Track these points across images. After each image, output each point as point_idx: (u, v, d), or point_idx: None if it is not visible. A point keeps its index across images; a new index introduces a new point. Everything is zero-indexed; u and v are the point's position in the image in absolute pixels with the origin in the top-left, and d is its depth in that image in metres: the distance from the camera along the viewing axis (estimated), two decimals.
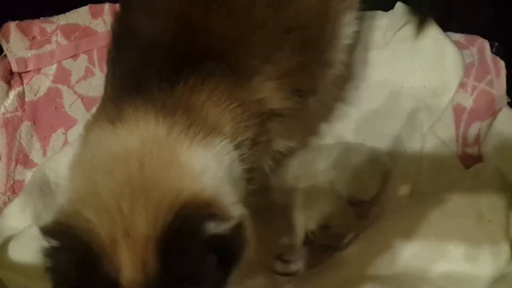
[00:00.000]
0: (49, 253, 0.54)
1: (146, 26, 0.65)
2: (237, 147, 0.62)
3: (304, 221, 0.85)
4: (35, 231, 0.80)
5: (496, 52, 0.99)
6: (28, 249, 0.81)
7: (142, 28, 0.65)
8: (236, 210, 0.56)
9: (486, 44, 0.99)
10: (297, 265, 0.85)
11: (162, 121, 0.57)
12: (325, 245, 0.85)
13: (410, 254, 0.76)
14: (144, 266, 0.51)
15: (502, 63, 0.98)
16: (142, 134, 0.57)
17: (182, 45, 0.62)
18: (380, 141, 0.96)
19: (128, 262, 0.51)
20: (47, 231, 0.55)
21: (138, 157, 0.55)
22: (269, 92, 0.65)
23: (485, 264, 0.73)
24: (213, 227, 0.51)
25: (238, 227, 0.53)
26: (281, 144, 0.73)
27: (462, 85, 0.96)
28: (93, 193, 0.55)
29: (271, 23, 0.64)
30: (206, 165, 0.56)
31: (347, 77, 0.96)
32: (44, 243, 0.55)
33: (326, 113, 0.96)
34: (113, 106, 0.62)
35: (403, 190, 0.89)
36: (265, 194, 0.90)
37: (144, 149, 0.56)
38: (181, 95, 0.60)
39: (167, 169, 0.55)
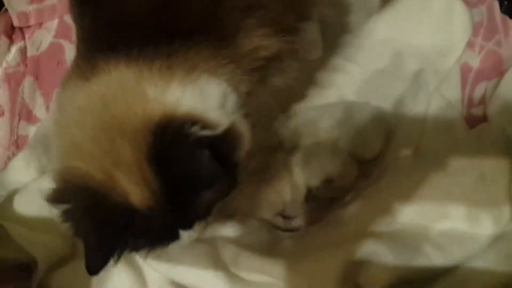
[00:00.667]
0: (65, 217, 0.57)
1: None
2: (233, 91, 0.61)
3: (305, 177, 0.86)
4: (40, 185, 0.82)
5: (505, 11, 0.97)
6: (33, 202, 0.82)
7: None
8: (226, 118, 0.57)
9: (495, 3, 0.96)
10: (298, 221, 0.86)
11: (133, 68, 0.57)
12: (328, 198, 0.86)
13: (410, 213, 0.76)
14: (147, 184, 0.54)
15: (510, 23, 0.95)
16: (108, 81, 0.58)
17: (164, 16, 0.60)
18: (384, 101, 0.95)
19: (131, 186, 0.54)
20: (52, 199, 0.58)
21: (101, 100, 0.57)
22: (257, 42, 0.63)
23: (486, 223, 0.74)
24: (197, 130, 0.53)
25: (228, 132, 0.55)
26: (281, 83, 0.72)
27: (470, 44, 0.94)
28: (74, 145, 0.58)
29: None
30: (182, 96, 0.56)
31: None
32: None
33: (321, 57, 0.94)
34: (87, 63, 0.61)
35: (406, 150, 0.89)
36: (267, 153, 0.90)
37: (107, 92, 0.57)
38: (164, 54, 0.58)
39: (133, 103, 0.56)
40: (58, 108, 0.64)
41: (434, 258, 0.72)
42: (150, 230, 0.57)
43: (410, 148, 0.88)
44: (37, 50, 1.02)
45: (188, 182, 0.54)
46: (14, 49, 1.00)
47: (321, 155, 0.88)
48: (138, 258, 0.73)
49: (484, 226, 0.74)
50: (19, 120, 0.98)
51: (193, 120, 0.54)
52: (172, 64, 0.57)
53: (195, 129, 0.53)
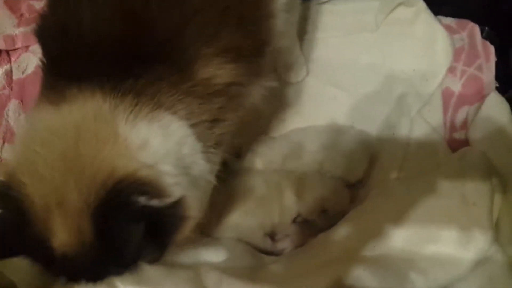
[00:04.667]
0: None
1: (89, 19, 0.61)
2: (193, 126, 0.61)
3: (300, 207, 0.86)
4: None
5: (486, 37, 0.99)
6: None
7: (85, 22, 0.61)
8: (177, 190, 0.57)
9: (476, 29, 0.99)
10: (284, 244, 0.86)
11: (108, 100, 0.57)
12: (318, 225, 0.86)
13: (395, 236, 0.76)
14: (79, 233, 0.54)
15: (491, 48, 0.97)
16: (85, 111, 0.57)
17: (131, 42, 0.60)
18: (369, 124, 0.97)
19: (62, 228, 0.54)
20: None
21: (75, 132, 0.56)
22: (212, 71, 0.63)
23: (469, 246, 0.74)
24: (144, 200, 0.53)
25: (175, 205, 0.55)
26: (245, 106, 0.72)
27: (451, 70, 0.96)
28: (30, 161, 0.57)
29: (209, 6, 0.62)
30: (147, 139, 0.57)
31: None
32: None
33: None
34: (55, 92, 0.60)
35: (390, 173, 0.90)
36: (253, 173, 0.91)
37: (83, 124, 0.56)
38: (131, 86, 0.58)
39: (103, 145, 0.55)
40: (27, 123, 0.64)
41: (418, 283, 0.72)
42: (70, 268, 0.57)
43: (394, 172, 0.89)
44: (23, 73, 1.01)
45: (116, 250, 0.53)
46: None
47: (316, 186, 0.88)
48: (119, 283, 0.72)
49: (467, 249, 0.74)
50: (3, 143, 0.97)
51: (145, 188, 0.54)
52: (139, 100, 0.58)
53: (142, 199, 0.53)
